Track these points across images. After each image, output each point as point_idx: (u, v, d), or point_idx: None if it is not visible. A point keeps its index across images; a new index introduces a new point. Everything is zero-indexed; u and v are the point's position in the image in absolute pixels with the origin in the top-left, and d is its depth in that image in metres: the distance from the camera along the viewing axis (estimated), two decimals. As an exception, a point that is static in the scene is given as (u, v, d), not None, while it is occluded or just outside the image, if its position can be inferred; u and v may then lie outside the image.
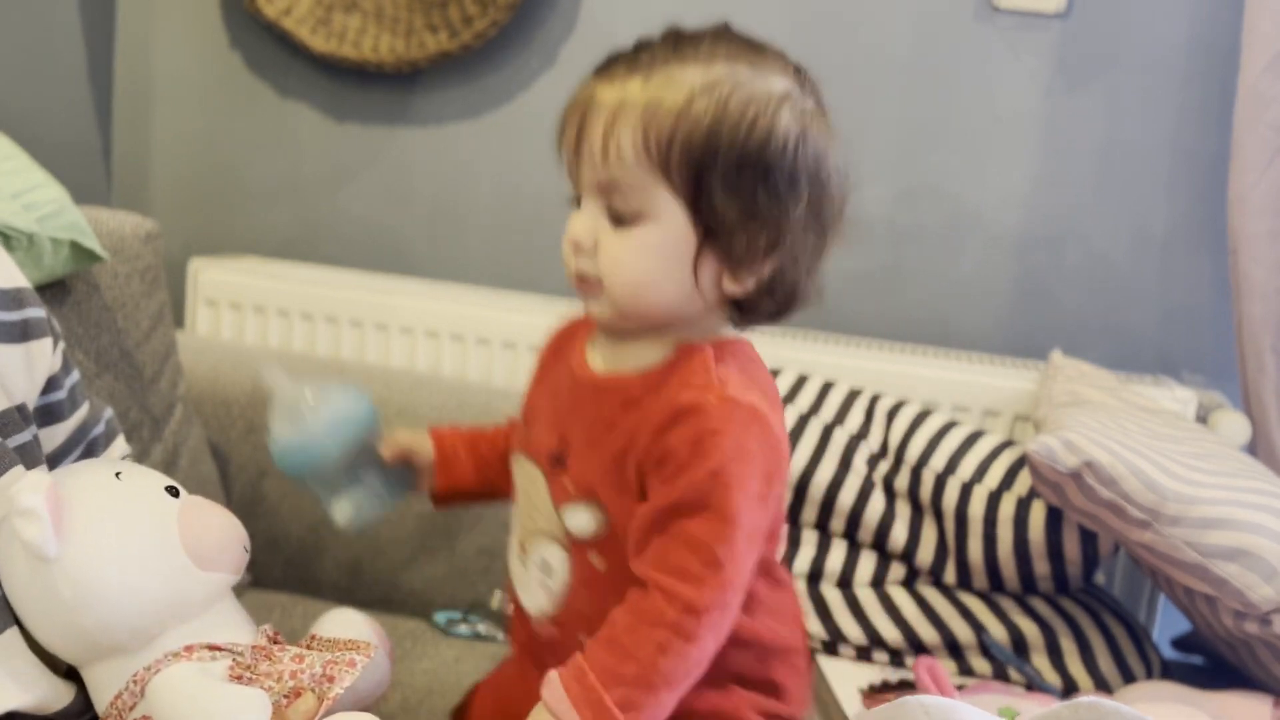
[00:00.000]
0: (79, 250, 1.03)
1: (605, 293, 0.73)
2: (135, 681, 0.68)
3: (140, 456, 1.10)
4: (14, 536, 0.67)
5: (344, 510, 0.85)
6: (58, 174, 1.12)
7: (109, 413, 0.93)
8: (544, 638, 0.82)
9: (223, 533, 0.74)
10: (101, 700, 0.70)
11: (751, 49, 0.74)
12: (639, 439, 0.73)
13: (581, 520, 0.77)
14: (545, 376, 0.86)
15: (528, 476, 0.82)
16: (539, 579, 0.81)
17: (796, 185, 0.71)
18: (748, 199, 0.70)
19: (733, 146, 0.70)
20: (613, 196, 0.71)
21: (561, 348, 0.85)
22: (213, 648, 0.70)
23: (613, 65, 0.73)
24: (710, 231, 0.71)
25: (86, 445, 0.88)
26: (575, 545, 0.78)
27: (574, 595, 0.79)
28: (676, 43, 0.72)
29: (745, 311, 0.76)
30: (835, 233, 0.76)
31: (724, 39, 0.74)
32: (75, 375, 0.88)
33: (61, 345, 0.86)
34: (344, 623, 0.80)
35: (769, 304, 0.75)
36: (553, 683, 0.70)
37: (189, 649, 0.69)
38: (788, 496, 1.27)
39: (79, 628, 0.67)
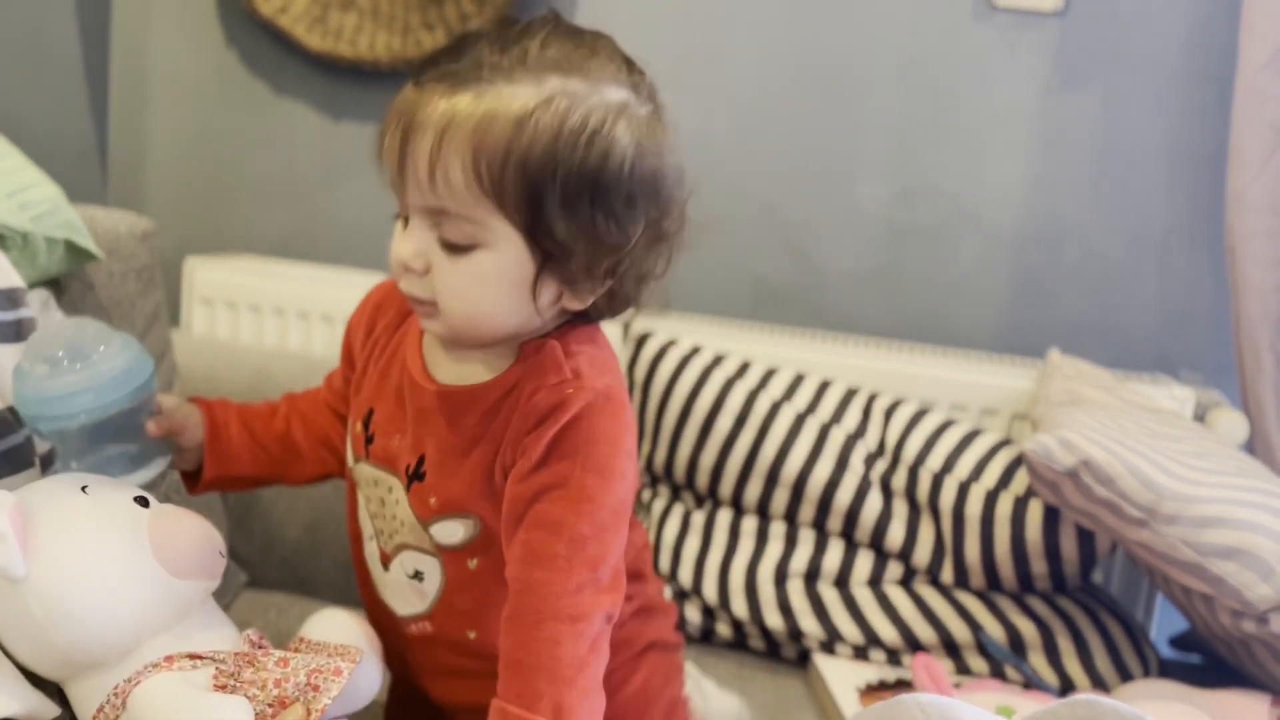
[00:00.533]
0: (74, 249, 1.03)
1: (440, 317, 0.71)
2: (116, 694, 0.67)
3: (136, 456, 1.09)
4: None
5: (136, 457, 0.78)
6: (53, 173, 1.11)
7: (103, 412, 0.93)
8: (415, 634, 0.83)
9: (195, 539, 0.72)
10: (84, 715, 0.69)
11: (583, 48, 0.69)
12: (505, 446, 0.73)
13: (452, 531, 0.76)
14: (382, 377, 0.82)
15: (381, 486, 0.81)
16: (410, 585, 0.81)
17: (634, 205, 0.69)
18: (586, 224, 0.67)
19: (570, 172, 0.66)
20: (443, 224, 0.67)
21: (389, 341, 0.82)
22: (194, 656, 0.69)
23: (437, 71, 0.67)
24: (549, 256, 0.68)
25: (80, 445, 0.88)
26: (447, 554, 0.78)
27: (450, 596, 0.79)
28: (504, 45, 0.67)
29: (581, 315, 0.75)
30: (678, 239, 0.73)
31: (555, 38, 0.68)
32: (69, 375, 0.87)
33: (56, 345, 0.85)
34: (332, 624, 0.79)
35: (607, 309, 0.75)
36: None
37: (169, 659, 0.68)
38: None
39: (53, 646, 0.66)
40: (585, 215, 0.67)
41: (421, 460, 0.76)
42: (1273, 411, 1.35)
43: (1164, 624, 1.44)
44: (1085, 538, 1.20)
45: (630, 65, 0.72)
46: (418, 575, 0.80)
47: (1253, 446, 1.35)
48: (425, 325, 0.73)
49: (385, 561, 0.82)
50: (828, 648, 1.24)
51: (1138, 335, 1.52)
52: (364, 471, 0.82)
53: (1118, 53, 1.47)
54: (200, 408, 0.87)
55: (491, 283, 0.68)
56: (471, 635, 0.80)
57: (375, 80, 1.65)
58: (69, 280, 1.07)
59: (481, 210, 0.66)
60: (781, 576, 1.25)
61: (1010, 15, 1.48)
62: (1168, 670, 1.22)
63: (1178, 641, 1.37)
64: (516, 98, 0.65)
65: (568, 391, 0.71)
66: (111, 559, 0.68)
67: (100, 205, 1.22)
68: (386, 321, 0.84)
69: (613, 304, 0.74)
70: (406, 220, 0.70)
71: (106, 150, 1.75)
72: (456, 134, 0.65)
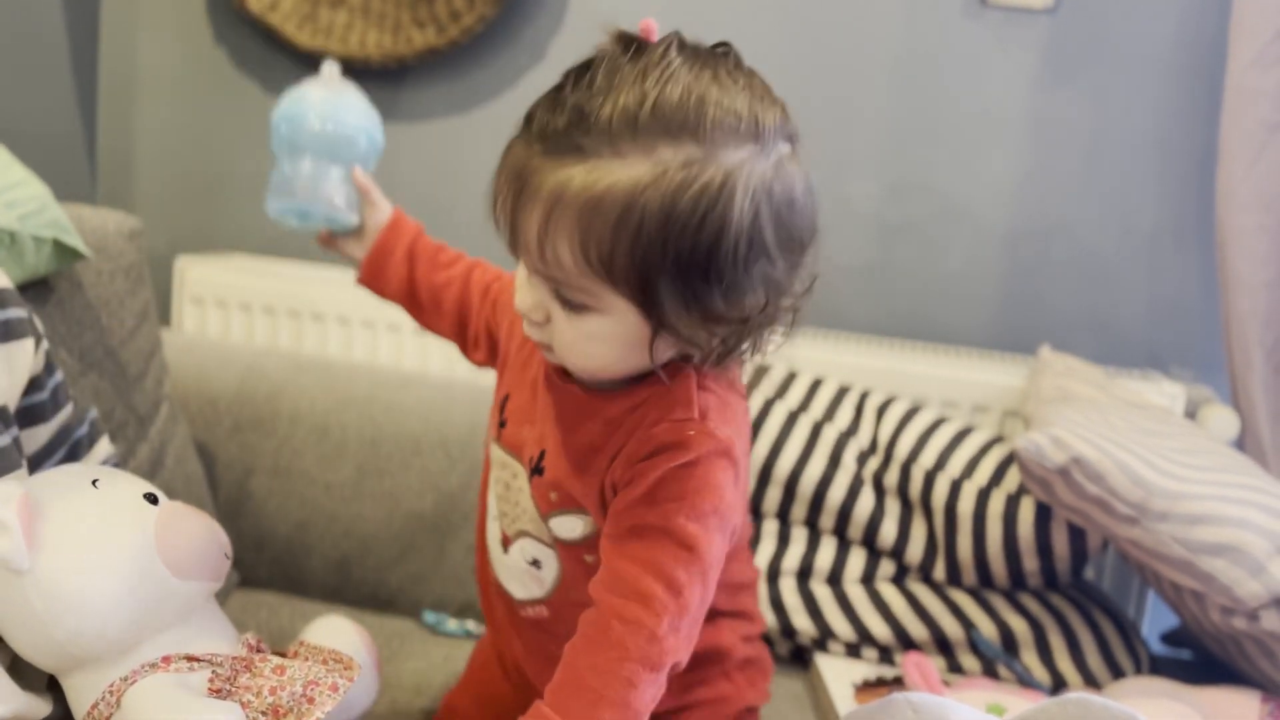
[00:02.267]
0: (61, 248, 1.03)
1: (559, 359, 0.71)
2: (112, 692, 0.67)
3: (126, 456, 1.09)
4: None
5: (297, 199, 0.91)
6: (42, 171, 1.11)
7: (93, 413, 0.92)
8: (530, 617, 0.83)
9: (201, 540, 0.72)
10: (79, 710, 0.69)
11: (695, 95, 0.64)
12: (617, 462, 0.72)
13: (571, 526, 0.77)
14: (524, 366, 0.83)
15: (509, 471, 0.81)
16: (528, 571, 0.81)
17: (753, 275, 0.65)
18: (704, 303, 0.65)
19: (681, 254, 0.62)
20: (558, 287, 0.67)
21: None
22: (191, 659, 0.69)
23: (550, 129, 0.64)
24: (665, 324, 0.66)
25: (69, 447, 0.87)
26: (564, 548, 0.78)
27: (567, 586, 0.79)
28: (613, 99, 0.63)
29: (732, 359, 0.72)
30: (805, 274, 0.70)
31: (667, 84, 0.64)
32: (58, 376, 0.87)
33: (44, 345, 0.85)
34: (333, 631, 0.79)
35: (738, 353, 0.72)
36: None
37: (166, 659, 0.68)
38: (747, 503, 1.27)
39: (52, 640, 0.66)
40: (701, 292, 0.64)
41: (543, 454, 0.77)
42: (1263, 408, 1.35)
43: (1155, 620, 1.45)
44: (1077, 535, 1.21)
45: (756, 98, 0.67)
46: (536, 563, 0.80)
47: (1243, 443, 1.36)
48: (549, 358, 0.74)
49: (506, 544, 0.83)
50: (820, 645, 1.24)
51: (1128, 332, 1.52)
52: (496, 453, 0.84)
53: (1108, 49, 1.47)
54: (391, 215, 0.95)
55: (606, 342, 0.68)
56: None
57: (366, 78, 1.64)
58: (57, 279, 1.07)
59: (593, 285, 0.65)
60: (774, 574, 1.25)
61: (1001, 12, 1.48)
62: (1159, 667, 1.22)
63: (1168, 638, 1.37)
64: (626, 173, 0.62)
65: (689, 433, 0.69)
66: (116, 556, 0.68)
67: (90, 204, 1.22)
68: None
69: (739, 351, 0.71)
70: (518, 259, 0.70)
71: (95, 148, 1.74)
72: (566, 214, 0.63)
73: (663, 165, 0.62)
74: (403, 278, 0.94)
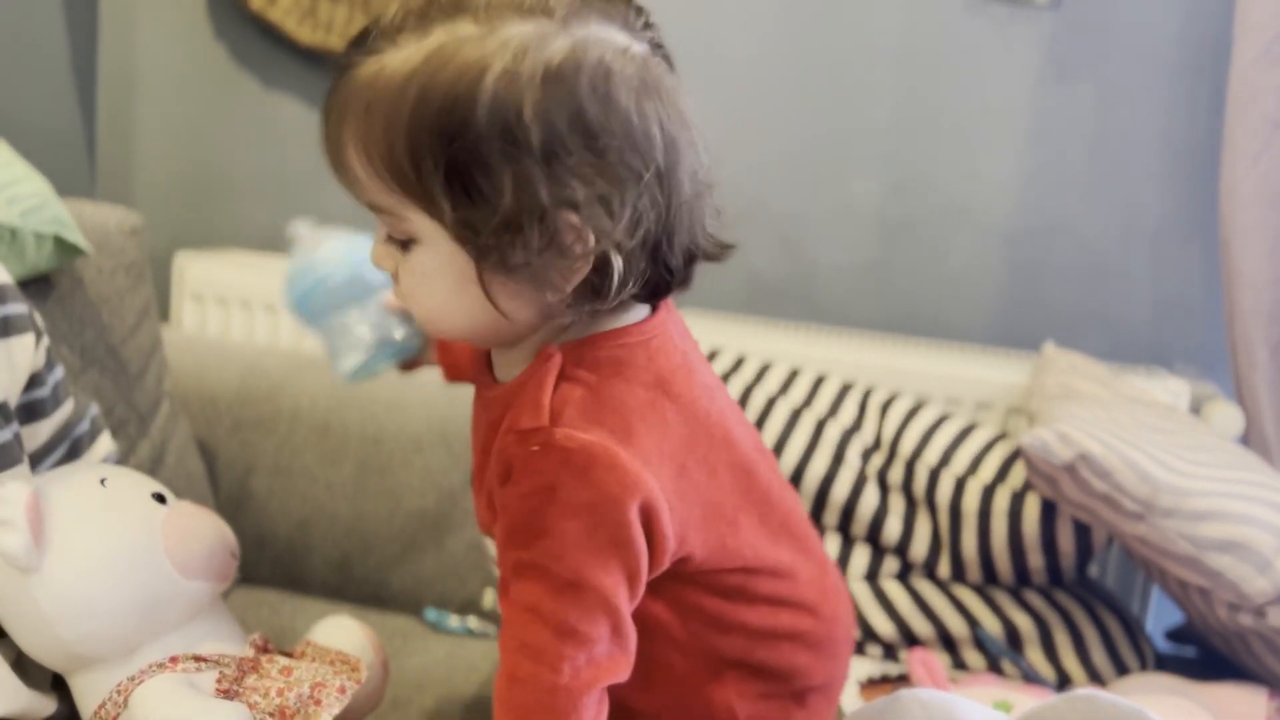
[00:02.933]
0: (62, 245, 1.02)
1: (418, 319, 0.65)
2: (119, 692, 0.67)
3: (126, 453, 1.09)
4: None
5: (352, 354, 0.83)
6: (41, 167, 1.10)
7: (94, 410, 0.92)
8: None
9: (209, 541, 0.72)
10: (86, 709, 0.69)
11: None
12: (490, 478, 0.65)
13: None
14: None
15: None
16: None
17: (524, 164, 0.55)
18: (483, 194, 0.56)
19: (441, 135, 0.55)
20: (382, 219, 0.61)
21: None
22: (198, 659, 0.69)
23: (346, 48, 0.60)
24: (479, 248, 0.58)
25: (70, 443, 0.87)
26: None
27: None
28: (404, 7, 0.58)
29: (605, 297, 0.60)
30: (660, 170, 0.59)
31: None
32: (59, 372, 0.86)
33: (45, 341, 0.85)
34: (340, 631, 0.79)
35: (623, 291, 0.60)
36: None
37: (174, 660, 0.68)
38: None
39: (59, 639, 0.66)
40: (473, 183, 0.56)
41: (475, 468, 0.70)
42: (1267, 404, 1.35)
43: (1160, 617, 1.44)
44: (1082, 531, 1.20)
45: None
46: None
47: (1247, 439, 1.36)
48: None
49: None
50: (823, 643, 1.24)
51: (1132, 328, 1.52)
52: None
53: (1111, 46, 1.47)
54: None
55: (434, 279, 0.61)
56: None
57: (366, 74, 1.64)
58: (58, 276, 1.06)
59: (388, 198, 0.59)
60: (777, 572, 1.25)
61: (1003, 8, 1.47)
62: (1164, 664, 1.22)
63: (1174, 634, 1.37)
64: (398, 59, 0.56)
65: (532, 449, 0.60)
66: (124, 556, 0.68)
67: (89, 200, 1.21)
68: None
69: (626, 284, 0.60)
70: None
71: (95, 145, 1.74)
72: (347, 116, 0.58)
73: (433, 45, 0.56)
74: (472, 352, 0.83)
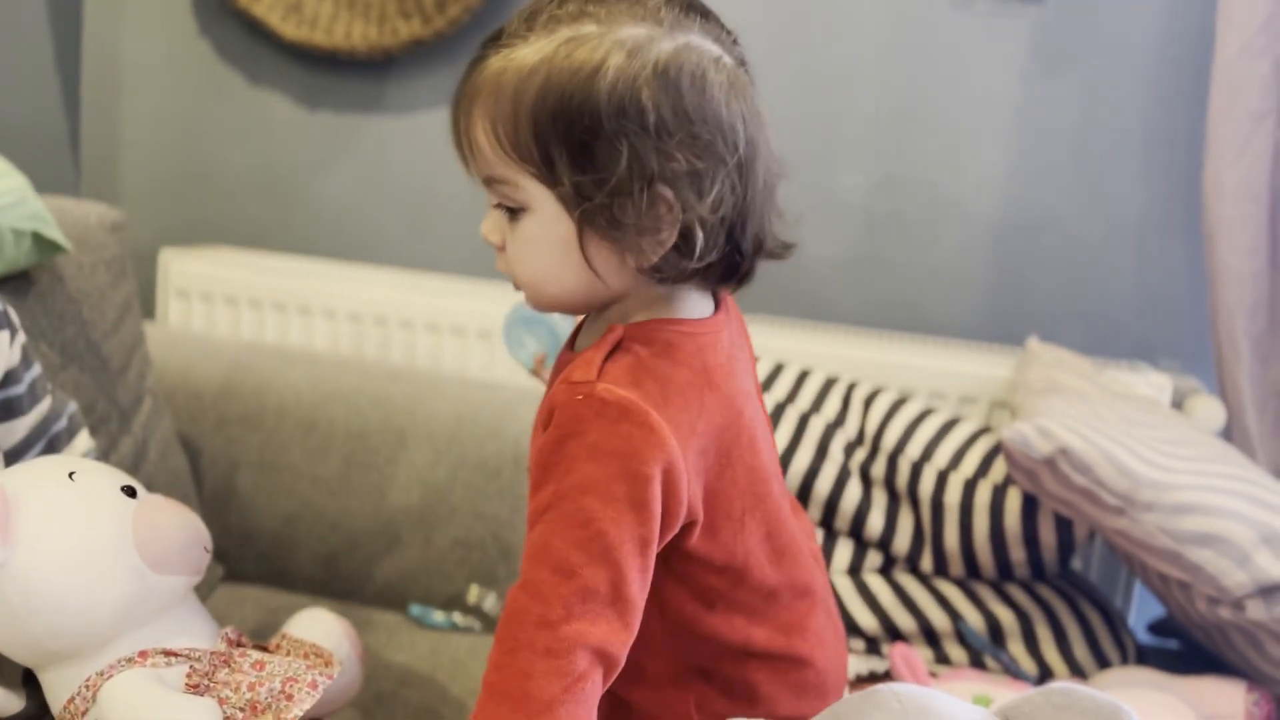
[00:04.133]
0: (41, 241, 1.02)
1: (521, 287, 0.72)
2: (88, 686, 0.66)
3: (108, 450, 1.08)
4: None
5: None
6: (25, 164, 1.10)
7: (72, 407, 0.92)
8: None
9: (180, 534, 0.72)
10: (56, 704, 0.68)
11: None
12: (538, 426, 0.71)
13: None
14: None
15: None
16: None
17: (634, 145, 0.64)
18: (598, 164, 0.65)
19: (562, 115, 0.64)
20: (496, 190, 0.69)
21: None
22: (169, 653, 0.68)
23: (483, 40, 0.69)
24: (584, 213, 0.66)
25: (48, 440, 0.87)
26: None
27: None
28: (533, 11, 0.68)
29: (682, 275, 0.69)
30: (741, 161, 0.68)
31: None
32: (36, 369, 0.86)
33: (21, 339, 0.84)
34: (315, 624, 0.79)
35: (702, 262, 0.68)
36: None
37: (143, 654, 0.68)
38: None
39: (28, 634, 0.66)
40: (592, 155, 0.65)
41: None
42: (1249, 398, 1.35)
43: (1141, 610, 1.45)
44: (1063, 525, 1.21)
45: (671, 5, 0.68)
46: None
47: (1229, 433, 1.36)
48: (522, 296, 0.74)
49: None
50: (808, 637, 1.24)
51: (1116, 322, 1.52)
52: None
53: (1096, 40, 1.47)
54: None
55: (540, 245, 0.68)
56: None
57: (352, 70, 1.64)
58: (38, 272, 1.06)
59: (512, 172, 0.67)
60: (761, 566, 1.25)
61: (989, 3, 1.47)
62: (1145, 657, 1.22)
63: (1155, 627, 1.38)
64: (527, 50, 0.66)
65: (577, 397, 0.66)
66: (93, 550, 0.67)
67: (74, 197, 1.21)
68: None
69: (703, 258, 0.67)
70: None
71: (79, 141, 1.73)
72: (479, 98, 0.67)
73: (559, 39, 0.66)
74: None
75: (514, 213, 0.68)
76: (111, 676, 0.66)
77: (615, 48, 0.65)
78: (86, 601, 0.67)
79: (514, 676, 0.63)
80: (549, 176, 0.66)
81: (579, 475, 0.64)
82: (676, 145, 0.65)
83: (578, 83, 0.64)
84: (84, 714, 0.67)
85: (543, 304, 0.72)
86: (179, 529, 0.72)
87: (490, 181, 0.69)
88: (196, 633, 0.72)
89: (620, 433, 0.64)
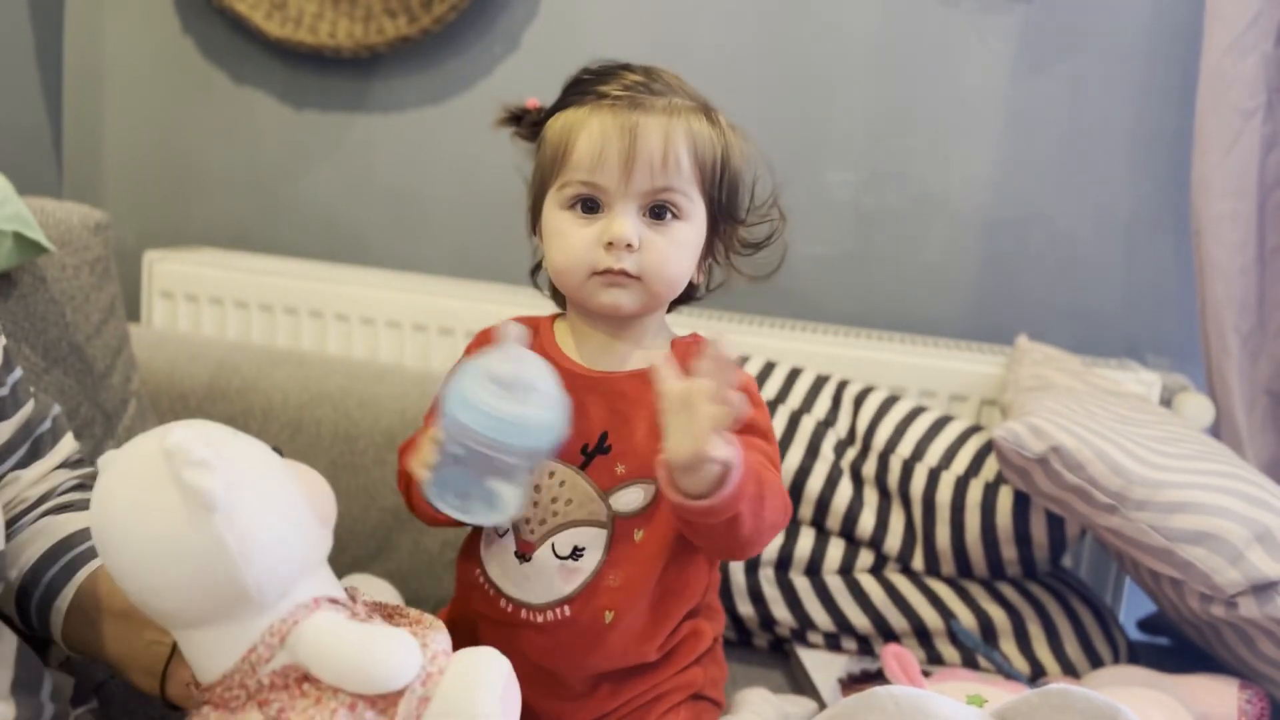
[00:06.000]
0: (23, 242, 1.01)
1: (643, 285, 0.84)
2: (273, 633, 0.66)
3: (92, 453, 1.07)
4: (168, 488, 0.64)
5: (516, 499, 0.77)
6: (6, 165, 1.09)
7: (56, 409, 0.91)
8: (543, 624, 0.87)
9: (329, 490, 0.73)
10: (218, 661, 0.67)
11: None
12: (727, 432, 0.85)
13: (633, 498, 0.86)
14: None
15: (551, 480, 0.86)
16: (558, 567, 0.86)
17: (740, 192, 0.89)
18: (736, 203, 0.89)
19: (728, 162, 0.86)
20: (663, 199, 0.83)
21: None
22: (332, 601, 0.69)
23: (632, 94, 0.84)
24: (715, 229, 0.87)
25: (31, 443, 0.86)
26: (620, 523, 0.86)
27: (603, 573, 0.86)
28: (650, 77, 0.86)
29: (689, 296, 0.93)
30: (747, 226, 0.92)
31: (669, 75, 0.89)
32: (17, 372, 0.85)
33: (2, 341, 0.83)
34: (371, 588, 0.79)
35: (689, 294, 0.92)
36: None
37: (316, 601, 0.68)
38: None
39: (236, 582, 0.65)
40: (735, 196, 0.88)
41: (605, 436, 0.86)
42: (1238, 395, 1.35)
43: (1133, 607, 1.45)
44: (1055, 523, 1.20)
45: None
46: (575, 554, 0.86)
47: (1218, 430, 1.36)
48: (614, 296, 0.84)
49: (526, 552, 0.87)
50: (799, 636, 1.24)
51: (1105, 320, 1.52)
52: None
53: (1083, 37, 1.47)
54: None
55: (686, 248, 0.85)
56: (608, 617, 0.86)
57: (337, 68, 1.63)
58: (20, 274, 1.05)
59: (691, 188, 0.84)
60: (752, 565, 1.25)
61: (977, 0, 1.47)
62: (1137, 654, 1.22)
63: (1146, 624, 1.38)
64: (696, 111, 0.85)
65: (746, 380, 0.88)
66: (291, 501, 0.68)
67: (56, 197, 1.19)
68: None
69: (693, 290, 0.92)
70: (584, 209, 0.83)
71: (61, 141, 1.72)
72: (681, 133, 0.83)
73: (699, 104, 0.88)
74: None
75: (664, 219, 0.84)
76: (298, 621, 0.67)
77: (729, 128, 0.89)
78: (292, 550, 0.67)
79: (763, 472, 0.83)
80: (714, 200, 0.86)
81: (771, 429, 0.89)
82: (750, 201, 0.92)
83: (723, 148, 0.87)
84: (268, 661, 0.66)
85: (659, 299, 0.86)
86: (328, 488, 0.73)
87: (662, 191, 0.83)
88: (337, 585, 0.73)
89: (760, 403, 0.89)
